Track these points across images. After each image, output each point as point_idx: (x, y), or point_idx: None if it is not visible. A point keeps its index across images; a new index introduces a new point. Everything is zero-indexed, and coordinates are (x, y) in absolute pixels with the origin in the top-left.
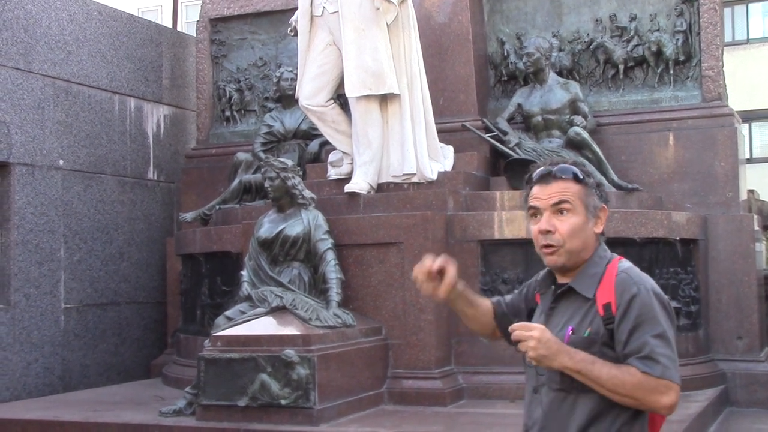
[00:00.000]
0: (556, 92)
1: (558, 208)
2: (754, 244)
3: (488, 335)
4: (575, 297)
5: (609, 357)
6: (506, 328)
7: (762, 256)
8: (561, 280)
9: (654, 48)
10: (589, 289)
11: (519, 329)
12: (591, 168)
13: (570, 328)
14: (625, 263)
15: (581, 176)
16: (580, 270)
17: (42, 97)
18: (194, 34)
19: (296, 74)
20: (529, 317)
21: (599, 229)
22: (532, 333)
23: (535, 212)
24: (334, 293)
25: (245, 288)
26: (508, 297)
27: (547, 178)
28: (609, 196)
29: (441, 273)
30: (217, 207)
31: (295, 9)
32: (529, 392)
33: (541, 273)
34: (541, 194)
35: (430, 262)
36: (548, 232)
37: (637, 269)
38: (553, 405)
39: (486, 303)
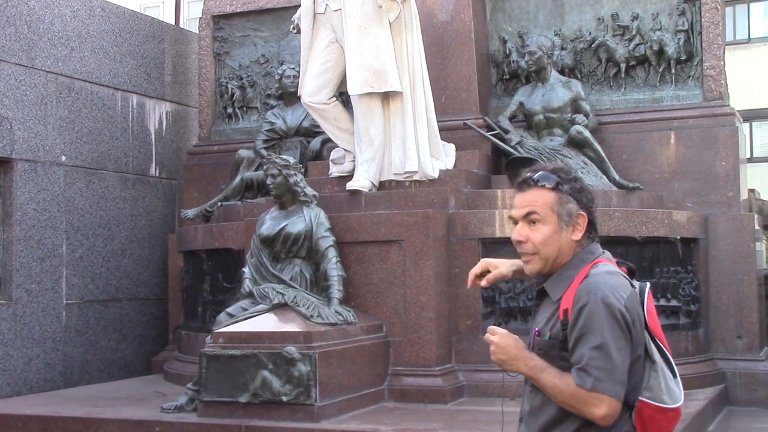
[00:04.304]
0: (557, 91)
1: (529, 219)
2: (755, 243)
3: None
4: (548, 298)
5: (568, 361)
6: None
7: (762, 256)
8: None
9: (656, 47)
10: (558, 291)
11: (488, 332)
12: (582, 171)
13: (536, 329)
14: (601, 267)
15: (555, 184)
16: (556, 272)
17: (44, 93)
18: (197, 31)
19: (298, 71)
20: None
21: (577, 236)
22: (493, 338)
23: (513, 221)
24: (336, 290)
25: (247, 285)
26: None
27: (522, 185)
28: (596, 197)
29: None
30: (219, 204)
31: (298, 6)
32: (524, 385)
33: None
34: (516, 203)
35: (474, 272)
36: (519, 242)
37: (604, 274)
38: (534, 402)
39: None
